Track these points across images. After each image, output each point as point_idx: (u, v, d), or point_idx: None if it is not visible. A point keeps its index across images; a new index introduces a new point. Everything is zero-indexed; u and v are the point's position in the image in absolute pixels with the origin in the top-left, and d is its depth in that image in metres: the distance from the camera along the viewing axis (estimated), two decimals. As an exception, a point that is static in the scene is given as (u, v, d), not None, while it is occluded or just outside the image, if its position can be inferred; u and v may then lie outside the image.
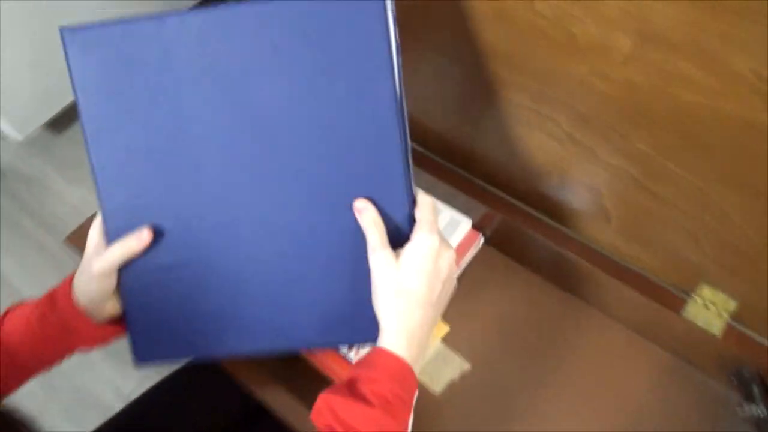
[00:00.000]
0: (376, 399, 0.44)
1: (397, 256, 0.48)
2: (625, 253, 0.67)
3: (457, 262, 0.75)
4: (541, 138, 0.63)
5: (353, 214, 0.50)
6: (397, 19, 0.47)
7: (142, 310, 0.55)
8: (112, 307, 0.55)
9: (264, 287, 0.54)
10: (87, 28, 0.51)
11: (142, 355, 0.57)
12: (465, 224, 0.77)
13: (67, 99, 1.43)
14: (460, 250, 0.76)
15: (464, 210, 0.78)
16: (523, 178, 0.70)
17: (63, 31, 0.51)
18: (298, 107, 0.50)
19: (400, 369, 0.46)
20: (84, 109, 0.52)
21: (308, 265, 0.53)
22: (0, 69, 1.12)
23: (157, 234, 0.53)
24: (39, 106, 1.39)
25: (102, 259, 0.52)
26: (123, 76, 0.51)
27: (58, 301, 0.54)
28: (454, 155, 0.77)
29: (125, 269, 0.54)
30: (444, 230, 0.76)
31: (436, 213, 0.51)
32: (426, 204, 0.50)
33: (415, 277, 0.47)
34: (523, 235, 0.72)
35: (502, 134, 0.67)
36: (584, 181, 0.63)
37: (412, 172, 0.51)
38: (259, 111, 0.50)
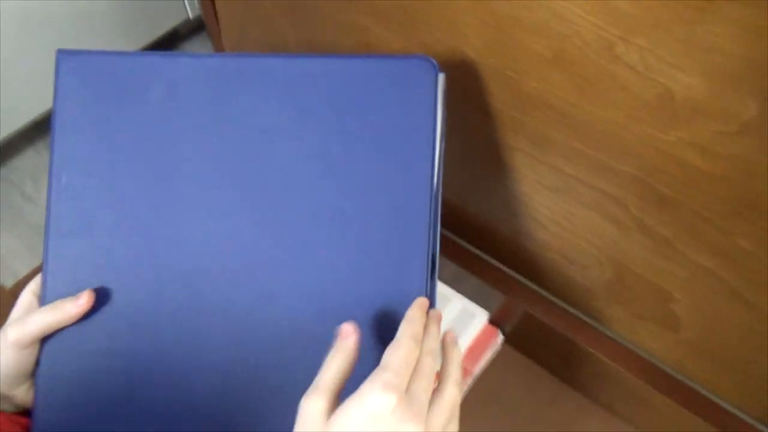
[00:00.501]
0: None
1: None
2: (693, 372, 0.52)
3: (472, 366, 0.59)
4: (596, 221, 0.48)
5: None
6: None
7: (55, 403, 0.42)
8: (25, 395, 0.42)
9: (221, 404, 0.42)
10: (88, 53, 0.44)
11: None
12: (480, 317, 0.61)
13: (5, 131, 1.25)
14: (475, 350, 0.60)
15: (478, 299, 0.62)
16: (560, 266, 0.55)
17: (60, 53, 0.43)
18: (317, 181, 0.42)
19: None
20: (59, 145, 0.43)
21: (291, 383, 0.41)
22: None
23: (102, 311, 0.42)
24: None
25: (23, 324, 0.40)
26: (116, 115, 0.43)
27: None
28: (465, 229, 0.62)
29: (47, 346, 0.42)
30: (453, 324, 0.61)
31: (413, 352, 0.35)
32: (402, 337, 0.35)
33: None
34: (554, 335, 0.57)
35: (538, 209, 0.52)
36: (649, 279, 0.49)
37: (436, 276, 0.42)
38: (270, 179, 0.42)
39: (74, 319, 0.41)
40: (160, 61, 0.43)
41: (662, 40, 0.35)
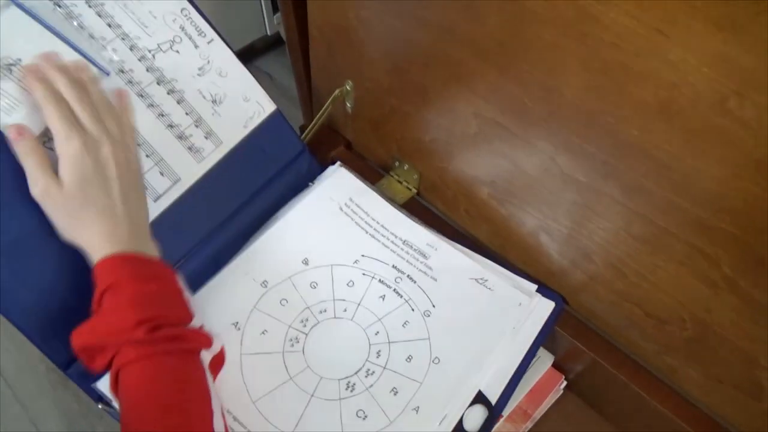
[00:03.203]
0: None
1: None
2: (775, 446, 0.49)
3: (533, 409, 0.58)
4: (683, 276, 0.47)
5: None
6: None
7: None
8: None
9: None
10: None
11: None
12: (545, 360, 0.60)
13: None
14: (536, 393, 0.58)
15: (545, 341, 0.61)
16: (636, 317, 0.53)
17: None
18: None
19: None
20: None
21: None
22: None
23: None
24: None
25: None
26: None
27: None
28: (539, 269, 0.61)
29: None
30: (517, 365, 0.59)
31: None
32: (42, 103, 0.43)
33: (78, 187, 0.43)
34: (622, 387, 0.55)
35: (621, 258, 0.51)
36: (735, 342, 0.47)
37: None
38: None
39: None
40: None
41: (783, 100, 0.35)
